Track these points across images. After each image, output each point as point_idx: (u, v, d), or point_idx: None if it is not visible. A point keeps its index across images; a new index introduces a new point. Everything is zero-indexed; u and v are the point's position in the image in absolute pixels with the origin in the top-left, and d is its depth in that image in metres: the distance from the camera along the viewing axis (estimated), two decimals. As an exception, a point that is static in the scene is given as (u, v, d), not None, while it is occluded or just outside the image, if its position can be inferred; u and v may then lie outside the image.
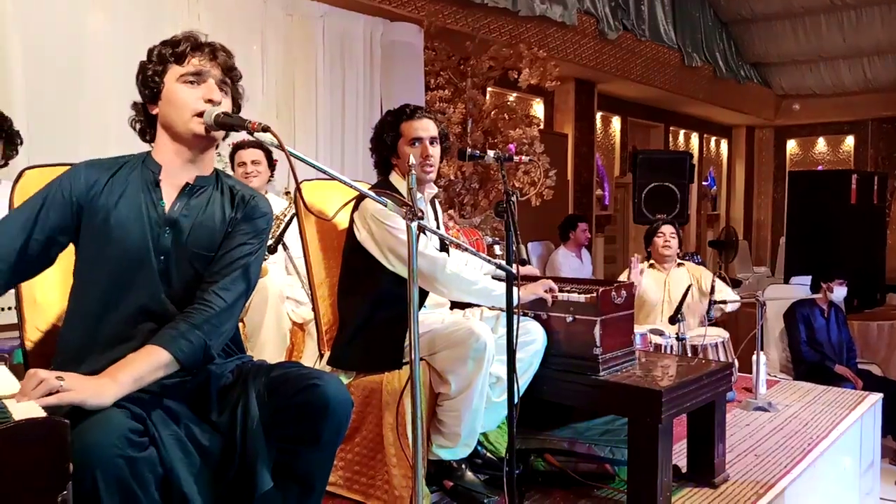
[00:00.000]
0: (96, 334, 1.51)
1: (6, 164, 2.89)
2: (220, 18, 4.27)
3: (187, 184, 1.58)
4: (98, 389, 1.33)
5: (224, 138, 1.64)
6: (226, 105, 1.57)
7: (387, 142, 2.39)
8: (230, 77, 1.61)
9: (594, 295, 2.35)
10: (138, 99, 1.63)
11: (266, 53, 4.53)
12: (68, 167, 1.64)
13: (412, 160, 1.66)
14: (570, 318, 2.37)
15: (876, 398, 3.63)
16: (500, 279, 2.22)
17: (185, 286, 1.55)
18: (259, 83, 4.51)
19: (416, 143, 2.34)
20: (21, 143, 2.96)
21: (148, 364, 1.41)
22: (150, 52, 1.59)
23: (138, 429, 1.35)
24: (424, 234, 2.04)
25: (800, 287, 5.23)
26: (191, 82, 1.55)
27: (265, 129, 1.40)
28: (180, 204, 1.57)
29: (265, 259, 3.29)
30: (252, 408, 1.49)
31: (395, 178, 2.40)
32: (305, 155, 1.42)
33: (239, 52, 4.60)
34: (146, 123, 1.62)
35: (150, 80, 1.56)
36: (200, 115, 1.53)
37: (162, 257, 1.54)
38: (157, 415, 1.43)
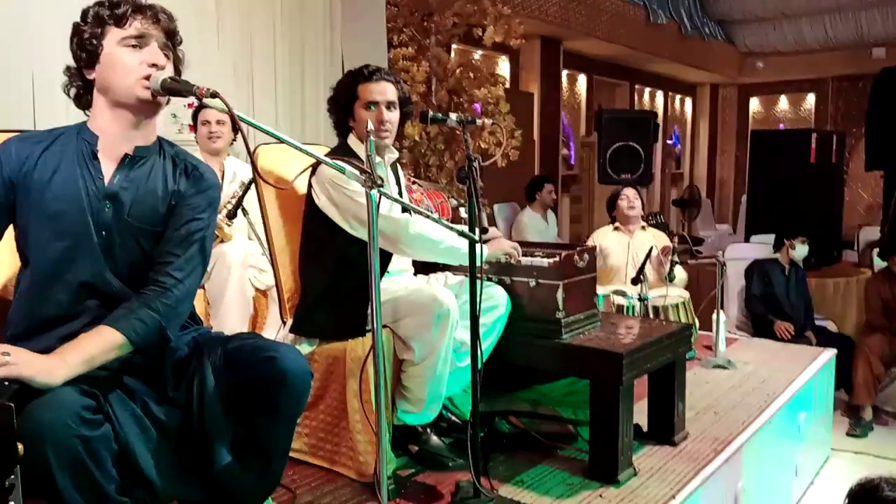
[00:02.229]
0: (42, 311, 1.47)
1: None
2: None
3: (126, 155, 1.51)
4: (47, 368, 1.29)
5: (166, 104, 1.56)
6: (169, 70, 1.50)
7: (342, 103, 2.32)
8: (172, 42, 1.54)
9: (557, 259, 2.35)
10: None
11: (221, 8, 4.36)
12: (9, 133, 1.56)
13: (370, 126, 1.61)
14: (533, 283, 2.38)
15: (830, 354, 3.74)
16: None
17: (129, 261, 1.50)
18: (214, 40, 4.35)
19: (372, 107, 2.27)
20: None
21: (100, 345, 1.38)
22: (85, 13, 1.49)
23: (91, 406, 1.32)
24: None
25: (760, 246, 5.32)
26: (133, 46, 1.47)
27: (214, 95, 1.35)
28: (120, 176, 1.50)
29: (229, 225, 3.23)
30: (208, 381, 1.47)
31: (354, 142, 2.34)
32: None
33: (192, 6, 4.42)
34: (83, 88, 1.53)
35: (87, 44, 1.48)
36: (145, 79, 1.46)
37: (103, 232, 1.48)
38: (111, 391, 1.40)
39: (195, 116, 3.40)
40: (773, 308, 4.80)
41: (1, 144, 1.49)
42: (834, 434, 3.96)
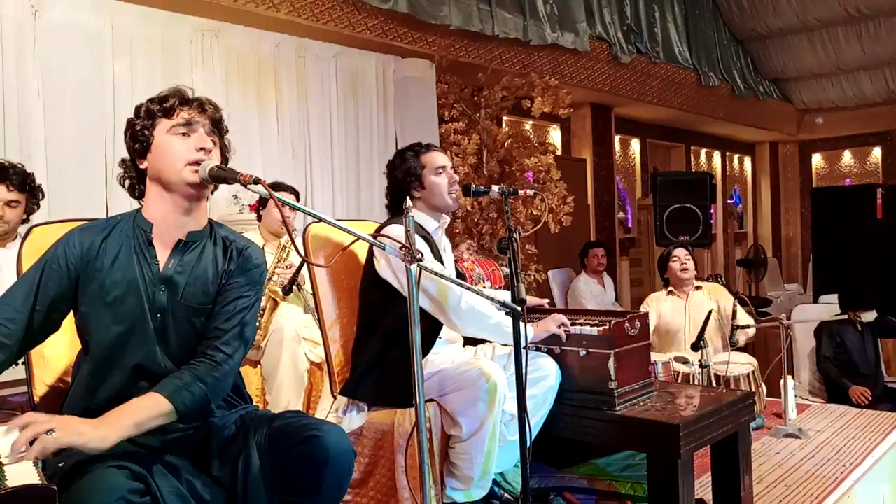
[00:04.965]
0: (97, 394, 1.53)
1: (28, 220, 2.93)
2: (234, 64, 4.36)
3: (180, 240, 1.59)
4: (99, 435, 1.34)
5: (213, 191, 1.64)
6: (215, 157, 1.59)
7: (413, 177, 2.38)
8: (218, 129, 1.63)
9: (607, 327, 2.31)
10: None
11: (280, 95, 4.60)
12: (79, 222, 1.67)
13: (408, 203, 1.65)
14: (583, 352, 2.33)
15: (913, 420, 3.50)
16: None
17: (181, 342, 1.56)
18: (274, 124, 4.58)
19: (441, 172, 2.39)
20: (43, 196, 3.00)
21: (149, 411, 1.42)
22: (138, 108, 1.61)
23: (139, 488, 1.35)
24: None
25: (828, 306, 5.08)
26: (182, 133, 1.56)
27: (256, 182, 1.42)
28: (174, 261, 1.57)
29: (284, 299, 3.29)
30: (253, 460, 1.49)
31: (419, 211, 2.40)
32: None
33: (253, 95, 4.68)
34: (136, 179, 1.63)
35: (139, 135, 1.58)
36: (193, 164, 1.54)
37: (158, 315, 1.54)
38: (158, 471, 1.44)
39: (264, 199, 3.50)
40: (848, 370, 4.53)
41: (64, 235, 1.58)
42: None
